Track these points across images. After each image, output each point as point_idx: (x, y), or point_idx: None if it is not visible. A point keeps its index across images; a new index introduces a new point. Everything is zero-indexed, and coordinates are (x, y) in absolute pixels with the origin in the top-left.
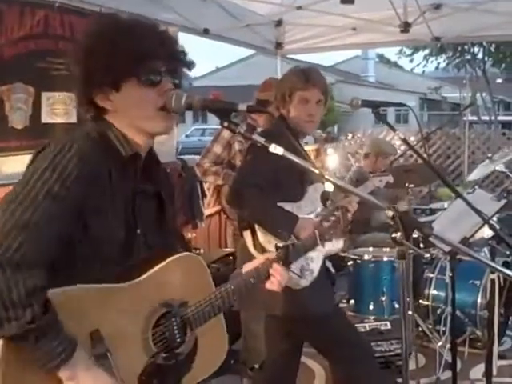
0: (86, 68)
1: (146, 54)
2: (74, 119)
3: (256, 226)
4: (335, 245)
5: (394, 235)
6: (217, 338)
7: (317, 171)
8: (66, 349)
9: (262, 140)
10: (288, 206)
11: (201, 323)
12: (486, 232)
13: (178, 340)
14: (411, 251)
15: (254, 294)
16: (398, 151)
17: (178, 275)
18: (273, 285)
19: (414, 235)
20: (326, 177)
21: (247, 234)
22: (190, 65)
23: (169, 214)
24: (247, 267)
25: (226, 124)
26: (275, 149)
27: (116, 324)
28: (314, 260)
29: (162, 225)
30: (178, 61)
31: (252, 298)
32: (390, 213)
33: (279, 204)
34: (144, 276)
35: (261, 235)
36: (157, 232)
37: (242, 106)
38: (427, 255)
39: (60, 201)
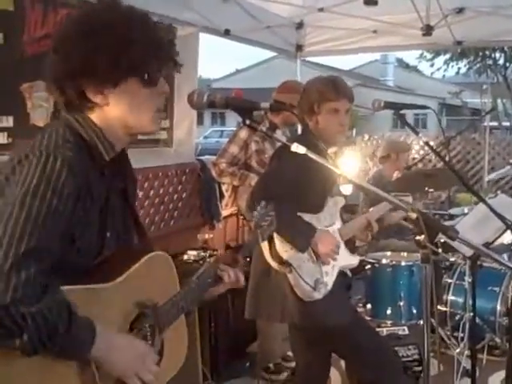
0: (90, 58)
1: (153, 52)
2: None
3: (274, 234)
4: (350, 260)
5: (417, 238)
6: (179, 340)
7: (344, 174)
8: (88, 331)
9: (283, 139)
10: (307, 217)
11: (168, 325)
12: (506, 238)
13: (149, 343)
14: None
15: (269, 305)
16: (417, 156)
17: (150, 275)
18: (227, 283)
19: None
20: (352, 180)
21: (264, 243)
22: (179, 66)
23: (133, 208)
24: (203, 267)
25: (247, 122)
26: (297, 148)
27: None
28: (329, 273)
29: (127, 221)
30: (172, 62)
31: (267, 309)
32: (414, 215)
33: (299, 214)
34: (123, 276)
35: (278, 243)
36: (126, 231)
37: (265, 104)
38: (452, 259)
39: (60, 215)
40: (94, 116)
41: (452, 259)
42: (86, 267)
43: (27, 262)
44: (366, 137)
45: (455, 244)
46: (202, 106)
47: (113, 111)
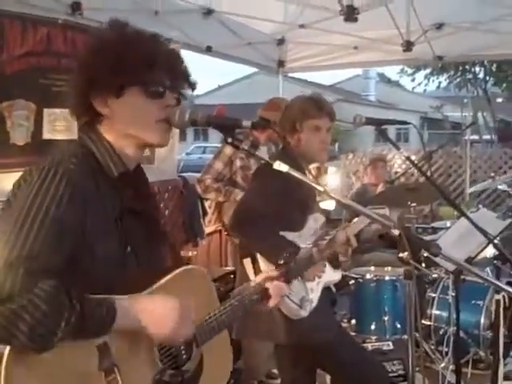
0: (92, 68)
1: (155, 63)
2: (75, 136)
3: (258, 255)
4: (333, 276)
5: (400, 255)
6: (222, 354)
7: (323, 190)
8: (108, 311)
9: (266, 156)
10: (290, 236)
11: (206, 339)
12: (489, 251)
13: (184, 356)
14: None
15: (256, 324)
16: (399, 170)
17: (184, 289)
18: (272, 301)
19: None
20: (333, 195)
21: (247, 262)
22: (193, 84)
23: (160, 227)
24: (250, 284)
25: (229, 140)
26: (280, 166)
27: (124, 338)
28: (314, 290)
29: (153, 239)
30: (182, 77)
31: (255, 328)
32: (397, 231)
33: (281, 233)
34: (152, 288)
35: (262, 264)
36: (147, 250)
37: (247, 123)
38: (435, 275)
39: (58, 222)
40: (104, 129)
41: (435, 274)
42: (113, 280)
43: (15, 268)
44: (351, 155)
45: (438, 259)
46: (184, 124)
47: (118, 122)
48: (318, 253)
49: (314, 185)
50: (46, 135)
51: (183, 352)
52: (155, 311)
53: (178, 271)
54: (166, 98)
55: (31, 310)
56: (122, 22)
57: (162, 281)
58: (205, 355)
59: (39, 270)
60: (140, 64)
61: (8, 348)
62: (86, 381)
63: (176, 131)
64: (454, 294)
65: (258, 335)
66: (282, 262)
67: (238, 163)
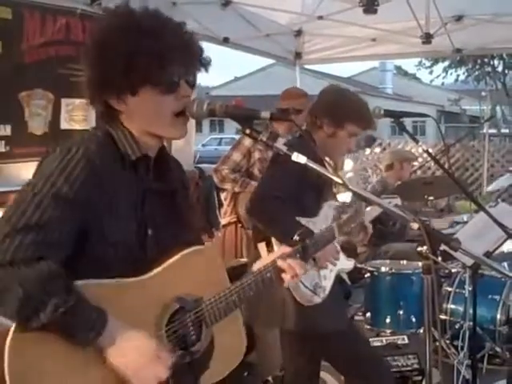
0: (103, 68)
1: (168, 59)
2: (92, 125)
3: (272, 239)
4: (347, 264)
5: (419, 249)
6: (234, 335)
7: (342, 182)
8: (98, 318)
9: (284, 148)
10: (304, 221)
11: (216, 320)
12: (506, 246)
13: (193, 337)
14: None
15: (267, 309)
16: (416, 163)
17: (192, 269)
18: (287, 281)
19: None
20: (351, 187)
21: (262, 246)
22: (207, 64)
23: (185, 212)
24: (262, 263)
25: (247, 131)
26: (298, 157)
27: (128, 320)
28: (327, 277)
29: (177, 223)
30: (196, 60)
31: (267, 316)
32: (416, 225)
33: (296, 218)
34: (156, 271)
35: (276, 247)
36: (171, 231)
37: (265, 114)
38: (454, 269)
39: (68, 202)
40: (124, 119)
41: (454, 269)
42: (130, 260)
43: (21, 234)
44: (368, 150)
45: (456, 253)
46: (202, 115)
47: (136, 117)
48: (338, 227)
49: (332, 177)
50: (64, 125)
51: (192, 333)
52: (128, 351)
53: (187, 251)
54: (181, 89)
55: (26, 285)
56: (128, 9)
57: (170, 260)
58: (216, 336)
59: (44, 243)
60: (151, 61)
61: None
62: (89, 359)
63: (193, 122)
64: (470, 289)
65: (270, 323)
66: (297, 238)
67: (256, 155)
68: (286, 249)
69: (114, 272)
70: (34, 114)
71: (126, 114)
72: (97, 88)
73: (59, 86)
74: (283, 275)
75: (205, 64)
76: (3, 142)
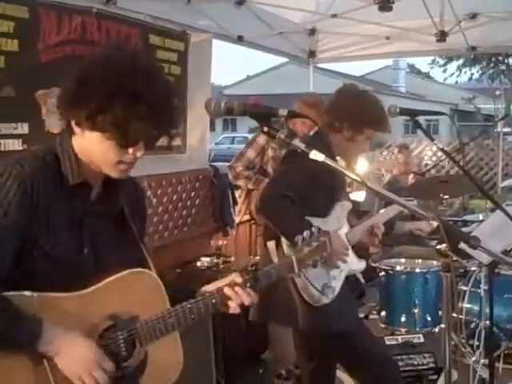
0: (78, 95)
1: (138, 118)
2: None
3: (282, 238)
4: (358, 265)
5: (438, 247)
6: (170, 355)
7: (360, 180)
8: (34, 327)
9: (302, 146)
10: (315, 221)
11: (151, 339)
12: None
13: (124, 353)
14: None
15: (277, 308)
16: (430, 162)
17: (129, 290)
18: (232, 309)
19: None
20: (370, 185)
21: (271, 245)
22: (171, 133)
23: (131, 234)
24: (211, 287)
25: (266, 129)
26: (316, 155)
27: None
28: (336, 278)
29: (120, 245)
30: (164, 129)
31: (276, 312)
32: (435, 223)
33: (307, 218)
34: (92, 288)
35: (285, 247)
36: (113, 251)
37: (283, 111)
38: (473, 268)
39: (4, 225)
40: (76, 141)
41: (474, 267)
42: (60, 279)
43: None
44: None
45: (472, 252)
46: (220, 113)
47: (87, 145)
48: (297, 261)
49: (351, 175)
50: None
51: (123, 348)
52: (70, 354)
53: (126, 272)
54: (137, 147)
55: None
56: (128, 52)
57: (109, 279)
58: (150, 354)
59: None
60: (123, 117)
61: None
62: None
63: (207, 121)
64: (485, 288)
65: (278, 320)
66: (299, 241)
67: (269, 153)
68: (238, 278)
69: (51, 287)
70: (51, 112)
71: (78, 138)
72: (68, 103)
73: None
74: (229, 302)
75: (172, 127)
76: (21, 140)
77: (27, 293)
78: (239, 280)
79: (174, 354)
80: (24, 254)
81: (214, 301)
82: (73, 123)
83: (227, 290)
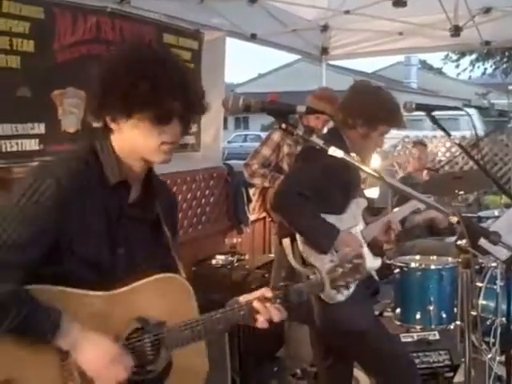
0: (107, 88)
1: (165, 95)
2: None
3: (297, 235)
4: (373, 263)
5: (459, 242)
6: (195, 364)
7: (379, 176)
8: (53, 319)
9: (320, 142)
10: (330, 218)
11: (177, 345)
12: None
13: (150, 357)
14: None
15: (295, 306)
16: (443, 158)
17: (158, 295)
18: (259, 323)
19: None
20: (388, 181)
21: (286, 242)
22: (204, 108)
23: (164, 238)
24: (241, 299)
25: (284, 126)
26: (334, 152)
27: (89, 328)
28: None
29: (153, 249)
30: (194, 102)
31: (294, 310)
32: (455, 219)
33: (322, 215)
34: (123, 289)
35: (300, 244)
36: (145, 254)
37: (301, 108)
38: (493, 264)
39: (37, 223)
40: (115, 138)
41: (493, 263)
42: (91, 279)
43: None
44: (401, 148)
45: (490, 247)
46: (238, 110)
47: (126, 138)
48: (330, 281)
49: (369, 171)
50: (96, 123)
51: (149, 352)
52: (89, 350)
53: (157, 276)
54: (173, 124)
55: None
56: (145, 45)
57: (139, 282)
58: (175, 361)
59: (2, 263)
60: (150, 95)
61: None
62: (41, 359)
63: (220, 119)
64: (501, 284)
65: (294, 317)
66: (282, 284)
67: (285, 150)
68: (268, 292)
69: (81, 286)
70: (67, 112)
71: (116, 133)
72: (98, 102)
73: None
74: (258, 316)
75: (203, 107)
76: (37, 140)
77: (54, 287)
78: (269, 294)
79: (198, 363)
80: (56, 252)
81: (242, 312)
82: (108, 121)
83: (256, 304)
